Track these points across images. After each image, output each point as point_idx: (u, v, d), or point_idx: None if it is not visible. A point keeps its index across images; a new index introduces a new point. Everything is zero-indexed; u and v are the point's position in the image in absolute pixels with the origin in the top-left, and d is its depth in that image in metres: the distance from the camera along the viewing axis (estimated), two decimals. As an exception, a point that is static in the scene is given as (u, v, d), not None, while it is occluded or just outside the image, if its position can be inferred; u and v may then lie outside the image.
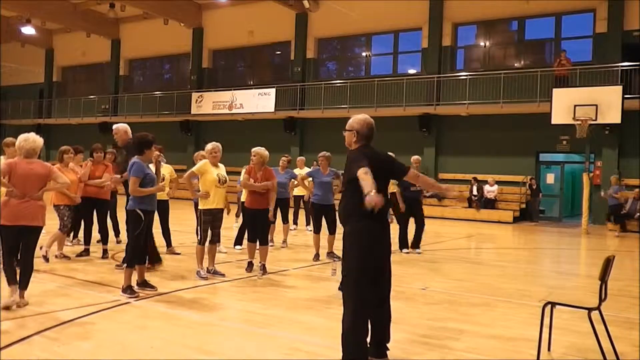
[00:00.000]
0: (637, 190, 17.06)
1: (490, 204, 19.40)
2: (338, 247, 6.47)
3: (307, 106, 23.86)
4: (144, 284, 6.45)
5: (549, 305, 4.51)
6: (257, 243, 7.83)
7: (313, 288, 7.23)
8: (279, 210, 10.63)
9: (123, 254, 6.95)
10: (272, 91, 23.94)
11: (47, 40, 33.37)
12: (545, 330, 4.52)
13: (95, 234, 8.88)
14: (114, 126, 7.66)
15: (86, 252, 8.69)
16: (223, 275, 7.43)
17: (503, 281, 8.14)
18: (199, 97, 26.18)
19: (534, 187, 18.96)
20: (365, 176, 3.83)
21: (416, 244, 10.39)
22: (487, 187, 19.62)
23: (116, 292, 6.21)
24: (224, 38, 26.87)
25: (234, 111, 24.89)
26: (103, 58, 31.33)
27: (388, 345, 4.33)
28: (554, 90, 17.01)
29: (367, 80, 22.69)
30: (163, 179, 7.32)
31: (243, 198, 8.42)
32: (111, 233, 9.58)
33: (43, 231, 5.90)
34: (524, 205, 19.54)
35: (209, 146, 7.39)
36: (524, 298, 6.89)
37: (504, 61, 21.23)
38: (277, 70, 26.67)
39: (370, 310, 4.16)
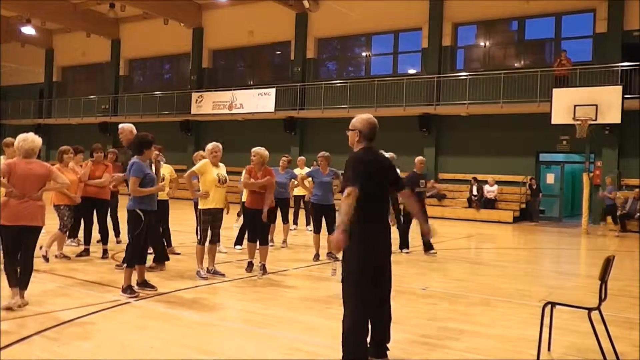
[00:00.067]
0: (637, 190, 17.07)
1: (490, 204, 19.40)
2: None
3: (307, 106, 23.87)
4: (144, 284, 6.45)
5: (549, 305, 4.51)
6: (257, 243, 7.83)
7: (313, 288, 7.23)
8: (279, 210, 10.62)
9: (123, 254, 6.95)
10: (272, 91, 23.94)
11: (47, 40, 33.38)
12: (545, 330, 4.52)
13: (96, 234, 8.88)
14: (120, 126, 7.65)
15: (86, 252, 8.69)
16: (223, 275, 7.43)
17: (503, 281, 8.14)
18: (199, 97, 26.19)
19: (534, 187, 18.96)
20: (344, 203, 3.93)
21: (429, 245, 10.22)
22: (487, 187, 19.62)
23: (116, 292, 6.21)
24: (224, 38, 26.87)
25: (234, 111, 24.89)
26: (103, 58, 31.34)
27: (388, 345, 4.34)
28: (554, 90, 17.01)
29: (367, 80, 22.69)
30: (163, 179, 7.32)
31: (244, 198, 8.42)
32: (111, 233, 9.58)
33: (43, 231, 5.90)
34: (524, 205, 19.54)
35: (209, 146, 7.39)
36: (524, 298, 6.89)
37: (504, 61, 21.23)
38: (277, 70, 26.67)
39: (371, 310, 4.16)
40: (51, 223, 8.04)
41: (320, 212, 9.17)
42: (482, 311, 6.18)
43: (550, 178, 20.77)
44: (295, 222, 13.43)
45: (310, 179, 9.71)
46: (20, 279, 5.49)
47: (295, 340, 4.86)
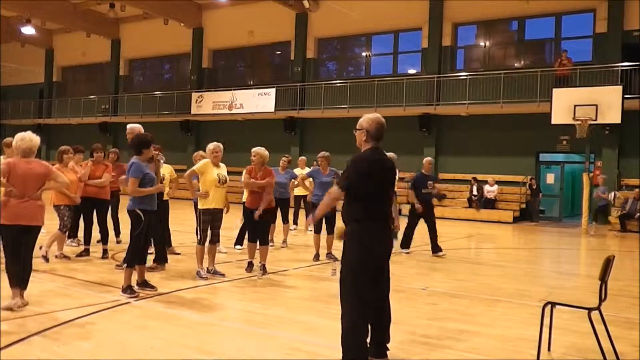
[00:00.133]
0: (637, 190, 17.07)
1: (490, 204, 19.40)
2: (338, 248, 6.47)
3: (307, 106, 23.87)
4: (144, 284, 6.45)
5: (549, 305, 4.51)
6: (257, 243, 7.83)
7: (313, 288, 7.23)
8: (279, 210, 10.62)
9: (123, 254, 6.94)
10: (272, 91, 23.94)
11: (47, 40, 33.38)
12: (545, 330, 4.52)
13: (96, 234, 8.88)
14: (129, 126, 7.63)
15: (86, 252, 8.69)
16: (223, 275, 7.43)
17: (503, 281, 8.14)
18: (199, 97, 26.19)
19: (534, 187, 18.96)
20: (327, 197, 4.34)
21: (435, 247, 10.14)
22: (487, 187, 19.62)
23: (116, 292, 6.21)
24: (224, 38, 26.87)
25: (234, 111, 24.89)
26: (103, 58, 31.34)
27: (388, 345, 4.34)
28: (554, 90, 17.01)
29: (367, 80, 22.69)
30: (162, 179, 7.31)
31: (244, 198, 8.42)
32: (111, 233, 9.58)
33: (43, 231, 5.90)
34: (524, 205, 19.54)
35: (210, 146, 7.38)
36: (524, 298, 6.89)
37: (504, 61, 21.23)
38: (277, 70, 26.67)
39: (370, 310, 4.16)
40: (51, 223, 8.06)
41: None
42: (482, 311, 6.18)
43: (550, 178, 20.77)
44: (295, 222, 13.43)
45: (310, 179, 9.71)
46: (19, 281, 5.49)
47: (295, 340, 4.86)
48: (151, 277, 6.80)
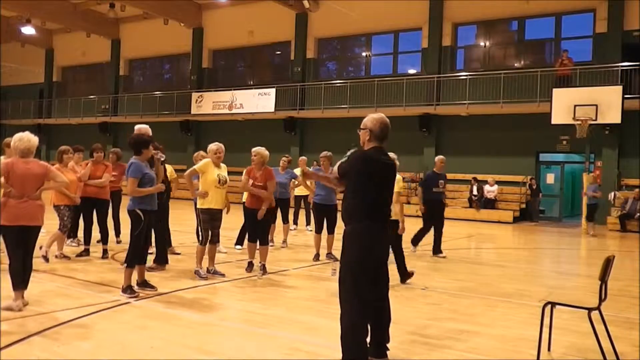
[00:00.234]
0: (637, 190, 17.07)
1: (490, 204, 19.40)
2: (337, 248, 6.47)
3: (307, 106, 23.87)
4: (144, 284, 6.45)
5: (549, 305, 4.51)
6: (257, 243, 7.83)
7: (313, 288, 7.23)
8: (279, 210, 10.62)
9: (123, 254, 6.94)
10: (272, 91, 23.94)
11: (47, 40, 33.38)
12: (545, 330, 4.52)
13: (96, 234, 8.88)
14: (136, 127, 7.62)
15: (86, 252, 8.68)
16: (223, 275, 7.43)
17: (503, 281, 8.14)
18: (199, 97, 26.19)
19: (534, 187, 18.96)
20: (329, 175, 4.46)
21: (437, 248, 10.10)
22: (487, 187, 19.63)
23: (116, 292, 6.21)
24: (224, 38, 26.88)
25: (234, 111, 24.89)
26: (103, 58, 31.35)
27: (388, 345, 4.34)
28: (554, 90, 17.01)
29: (367, 80, 22.69)
30: (163, 181, 7.28)
31: (244, 198, 8.42)
32: (112, 233, 9.58)
33: (43, 231, 5.89)
34: (524, 205, 19.54)
35: (213, 147, 7.37)
36: (524, 298, 6.89)
37: (504, 61, 21.23)
38: (277, 70, 26.67)
39: (370, 310, 4.16)
40: (51, 223, 8.06)
41: (322, 212, 9.16)
42: (482, 311, 6.18)
43: (550, 178, 20.77)
44: (295, 222, 13.43)
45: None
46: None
47: (295, 340, 4.86)
48: (151, 277, 6.81)
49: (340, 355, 4.07)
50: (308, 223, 13.64)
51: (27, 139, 5.50)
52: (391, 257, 7.51)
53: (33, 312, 5.33)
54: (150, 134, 7.65)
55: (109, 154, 9.94)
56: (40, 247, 7.55)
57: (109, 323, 5.17)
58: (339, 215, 5.46)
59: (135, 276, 6.34)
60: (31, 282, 5.62)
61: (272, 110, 23.83)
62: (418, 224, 10.53)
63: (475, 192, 19.61)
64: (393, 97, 21.36)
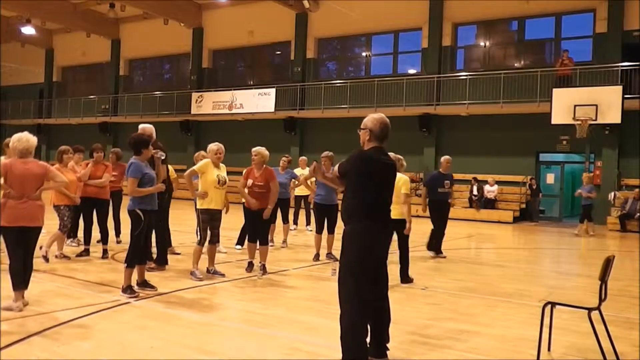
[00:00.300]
0: (637, 190, 17.08)
1: (490, 204, 19.40)
2: (337, 248, 6.47)
3: (307, 106, 23.87)
4: (144, 284, 6.45)
5: (549, 305, 4.51)
6: (257, 243, 7.83)
7: (313, 288, 7.23)
8: (279, 210, 10.62)
9: (123, 254, 6.94)
10: (272, 91, 23.94)
11: (47, 40, 33.38)
12: (545, 330, 4.52)
13: (96, 234, 8.88)
14: (141, 126, 7.61)
15: (86, 252, 8.69)
16: (223, 275, 7.42)
17: (503, 281, 8.14)
18: (199, 97, 26.19)
19: (534, 187, 18.96)
20: (330, 174, 4.40)
21: (438, 248, 10.06)
22: (487, 187, 19.63)
23: (116, 292, 6.21)
24: (224, 38, 26.88)
25: (234, 111, 24.89)
26: (103, 58, 31.35)
27: (388, 345, 4.34)
28: (554, 90, 17.02)
29: (367, 80, 22.69)
30: (164, 181, 7.25)
31: (244, 199, 8.41)
32: (112, 233, 9.57)
33: (43, 231, 5.89)
34: (524, 205, 19.54)
35: (213, 147, 7.35)
36: (524, 298, 6.89)
37: (504, 61, 21.23)
38: (277, 70, 26.68)
39: (370, 310, 4.16)
40: (51, 223, 8.05)
41: (322, 212, 9.16)
42: (482, 311, 6.18)
43: (550, 178, 20.77)
44: (295, 222, 13.43)
45: (313, 179, 9.70)
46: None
47: (295, 340, 4.86)
48: (151, 277, 6.80)
49: (340, 355, 4.07)
50: (308, 223, 13.64)
51: (26, 139, 5.49)
52: (393, 257, 7.55)
53: (33, 312, 5.34)
54: (154, 133, 7.66)
55: (109, 154, 9.94)
56: (40, 247, 7.54)
57: (109, 323, 5.17)
58: (339, 215, 5.46)
59: (135, 276, 6.34)
60: (31, 282, 5.62)
61: (272, 110, 23.83)
62: (420, 223, 10.51)
63: (475, 192, 19.61)
64: (393, 97, 21.36)
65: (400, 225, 7.49)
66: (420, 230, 10.39)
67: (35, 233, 5.56)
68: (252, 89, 25.07)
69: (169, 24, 26.85)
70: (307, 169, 13.45)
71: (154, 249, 7.73)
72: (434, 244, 10.05)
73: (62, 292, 6.26)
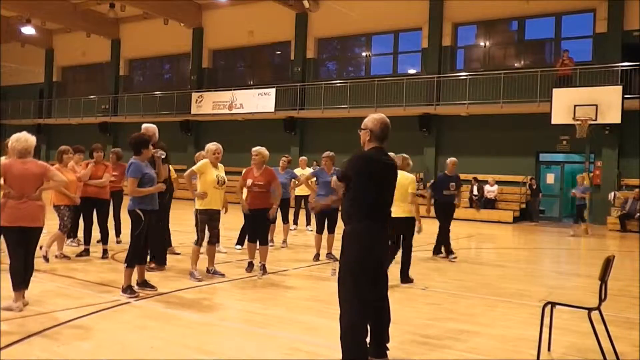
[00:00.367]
0: (637, 190, 17.08)
1: (490, 204, 19.40)
2: (338, 248, 6.47)
3: (307, 106, 23.87)
4: (144, 284, 6.45)
5: (549, 305, 4.51)
6: (257, 243, 7.82)
7: (313, 288, 7.23)
8: (279, 210, 10.62)
9: (123, 254, 6.94)
10: (272, 91, 23.94)
11: (47, 40, 33.38)
12: (545, 330, 4.52)
13: (96, 234, 8.88)
14: (144, 126, 7.61)
15: (86, 252, 8.69)
16: (223, 275, 7.42)
17: (503, 281, 8.14)
18: (199, 97, 26.19)
19: (534, 187, 18.96)
20: (337, 185, 4.31)
21: (439, 249, 10.03)
22: (487, 187, 19.63)
23: (116, 292, 6.21)
24: (224, 38, 26.88)
25: (234, 111, 24.89)
26: (103, 58, 31.34)
27: (388, 345, 4.34)
28: (554, 90, 17.02)
29: (367, 80, 22.69)
30: (166, 180, 7.24)
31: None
32: (112, 233, 9.57)
33: (44, 231, 5.88)
34: (524, 205, 19.54)
35: (212, 146, 7.33)
36: (524, 298, 6.89)
37: (504, 61, 21.23)
38: (277, 70, 26.68)
39: (370, 310, 4.16)
40: (51, 223, 8.04)
41: (323, 212, 9.14)
42: (482, 311, 6.18)
43: (550, 178, 20.77)
44: (295, 222, 13.44)
45: (314, 179, 9.70)
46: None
47: (295, 340, 4.86)
48: (151, 277, 6.80)
49: (340, 355, 4.07)
50: (308, 223, 13.64)
51: (25, 139, 5.49)
52: (396, 257, 7.56)
53: (33, 312, 5.34)
54: (157, 133, 7.66)
55: (110, 154, 9.94)
56: (41, 247, 7.53)
57: (109, 323, 5.17)
58: (339, 215, 5.46)
59: (135, 276, 6.34)
60: (31, 282, 5.61)
61: (272, 110, 23.83)
62: (423, 223, 10.46)
63: (475, 192, 19.61)
64: (393, 97, 21.36)
65: (406, 224, 7.51)
66: (424, 230, 10.36)
67: (36, 233, 5.56)
68: (252, 89, 25.06)
69: (169, 24, 26.85)
70: (307, 169, 13.46)
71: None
72: (445, 246, 9.93)
73: (62, 292, 6.26)
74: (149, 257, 7.68)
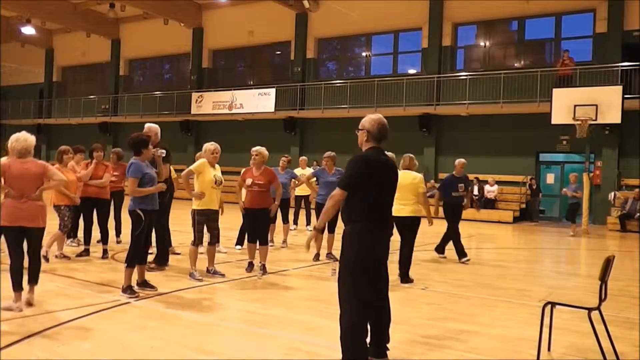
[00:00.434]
0: (637, 190, 17.08)
1: (490, 204, 19.40)
2: (338, 248, 6.47)
3: (307, 106, 23.87)
4: (144, 284, 6.45)
5: (549, 305, 4.51)
6: (257, 243, 7.82)
7: (313, 288, 7.23)
8: (279, 210, 10.62)
9: (123, 254, 6.94)
10: (272, 91, 23.94)
11: (47, 40, 33.38)
12: (545, 330, 4.52)
13: (96, 234, 8.88)
14: (147, 125, 7.60)
15: (86, 252, 8.69)
16: (223, 275, 7.42)
17: (503, 281, 8.14)
18: (199, 97, 26.19)
19: (534, 187, 18.96)
20: (328, 203, 4.17)
21: (442, 249, 9.96)
22: (487, 187, 19.63)
23: (116, 292, 6.21)
24: (224, 38, 26.88)
25: (234, 111, 24.89)
26: (103, 58, 31.34)
27: (388, 345, 4.34)
28: (554, 90, 17.01)
29: (367, 80, 22.69)
30: (166, 180, 7.23)
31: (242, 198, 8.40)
32: (112, 233, 9.57)
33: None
34: (524, 205, 19.54)
35: (210, 146, 7.31)
36: (524, 298, 6.89)
37: (504, 61, 21.23)
38: (277, 70, 26.68)
39: (370, 310, 4.16)
40: (51, 223, 8.03)
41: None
42: (482, 311, 6.18)
43: (550, 178, 20.77)
44: (295, 222, 13.43)
45: (314, 179, 9.70)
46: (29, 277, 5.49)
47: (295, 340, 4.86)
48: (151, 277, 6.80)
49: (340, 355, 4.07)
50: (308, 223, 13.64)
51: (24, 139, 5.48)
52: (394, 257, 7.55)
53: (33, 312, 5.34)
54: (159, 133, 7.65)
55: (110, 154, 9.95)
56: (41, 247, 7.54)
57: (109, 323, 5.17)
58: (339, 215, 5.45)
59: (135, 276, 6.34)
60: (31, 282, 5.62)
61: (272, 110, 23.83)
62: (425, 223, 10.46)
63: (475, 192, 19.60)
64: (393, 97, 21.36)
65: (410, 223, 7.53)
66: (424, 230, 10.36)
67: (36, 233, 5.53)
68: (252, 89, 25.06)
69: (169, 24, 26.85)
70: (308, 169, 13.46)
71: (153, 249, 7.72)
72: (457, 248, 9.84)
73: (62, 292, 6.26)
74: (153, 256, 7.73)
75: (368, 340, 4.18)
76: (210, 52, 27.84)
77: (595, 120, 15.77)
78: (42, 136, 30.07)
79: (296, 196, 13.13)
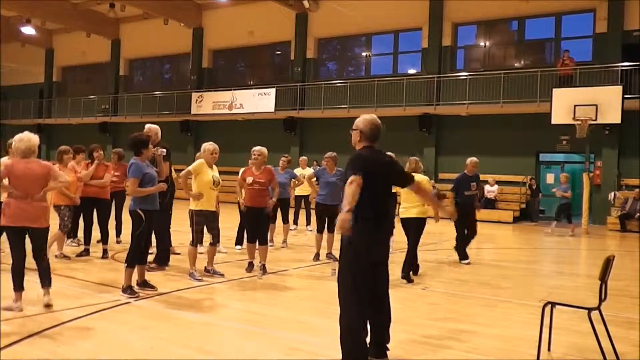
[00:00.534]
0: (637, 190, 17.08)
1: (490, 204, 19.39)
2: (337, 248, 6.47)
3: (307, 106, 23.87)
4: (144, 284, 6.45)
5: (549, 305, 4.51)
6: (257, 243, 7.82)
7: (313, 288, 7.23)
8: (279, 210, 10.63)
9: (123, 254, 6.94)
10: (272, 91, 23.94)
11: (47, 40, 33.37)
12: (545, 330, 4.53)
13: (96, 234, 8.88)
14: (147, 126, 7.60)
15: (86, 252, 8.69)
16: (223, 275, 7.42)
17: (503, 281, 8.14)
18: (199, 97, 26.18)
19: (534, 187, 18.96)
20: (348, 187, 3.94)
21: (463, 253, 9.71)
22: (487, 187, 19.61)
23: (116, 292, 6.21)
24: (224, 38, 26.87)
25: (234, 111, 24.88)
26: (103, 58, 31.32)
27: (388, 345, 4.34)
28: (554, 90, 17.01)
29: (367, 80, 22.69)
30: (166, 180, 7.22)
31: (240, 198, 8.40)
32: (112, 233, 9.56)
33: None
34: (524, 205, 19.53)
35: (209, 146, 7.31)
36: (524, 298, 6.89)
37: (504, 61, 21.23)
38: (277, 70, 26.67)
39: (369, 310, 4.16)
40: (51, 223, 8.02)
41: (324, 212, 9.14)
42: (482, 311, 6.18)
43: (550, 178, 20.75)
44: (295, 222, 13.43)
45: (315, 179, 9.71)
46: (41, 281, 5.50)
47: (295, 340, 4.86)
48: (151, 277, 6.80)
49: (340, 355, 4.07)
50: (308, 223, 13.64)
51: (27, 139, 5.48)
52: (394, 257, 7.55)
53: (33, 312, 5.34)
54: (160, 133, 7.65)
55: (111, 154, 9.95)
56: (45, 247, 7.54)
57: (109, 323, 5.17)
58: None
59: (135, 276, 6.34)
60: (31, 283, 5.61)
61: (272, 110, 23.82)
62: (428, 224, 10.46)
63: (476, 192, 19.60)
64: (393, 97, 21.35)
65: (416, 224, 7.64)
66: (426, 229, 10.36)
67: (39, 233, 5.51)
68: (252, 89, 25.06)
69: (169, 24, 26.84)
70: (308, 168, 13.47)
71: (153, 249, 7.72)
72: (462, 248, 9.72)
73: (62, 292, 6.25)
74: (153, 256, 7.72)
75: (368, 340, 4.19)
76: (210, 52, 27.84)
77: (595, 120, 15.77)
78: (42, 136, 29.83)
79: (296, 196, 13.14)
